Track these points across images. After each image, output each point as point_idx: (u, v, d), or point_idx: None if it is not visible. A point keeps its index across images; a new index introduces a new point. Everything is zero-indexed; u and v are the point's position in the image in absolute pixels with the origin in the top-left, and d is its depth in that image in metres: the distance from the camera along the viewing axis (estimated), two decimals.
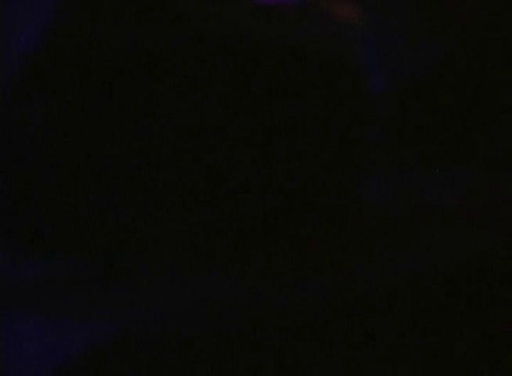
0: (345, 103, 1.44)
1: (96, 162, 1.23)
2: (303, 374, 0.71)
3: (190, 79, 1.19)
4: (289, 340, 0.82)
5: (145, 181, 1.20)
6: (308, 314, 0.90)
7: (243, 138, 1.26)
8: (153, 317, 0.87)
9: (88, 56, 1.24)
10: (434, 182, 1.49)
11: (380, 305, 0.93)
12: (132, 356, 0.75)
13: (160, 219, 1.19)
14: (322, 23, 1.80)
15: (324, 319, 0.89)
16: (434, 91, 1.60)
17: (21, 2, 1.50)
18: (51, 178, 1.27)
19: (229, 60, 1.23)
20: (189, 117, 1.20)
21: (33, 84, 1.29)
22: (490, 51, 1.87)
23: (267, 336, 0.83)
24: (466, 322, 0.91)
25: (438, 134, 1.53)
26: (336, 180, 1.38)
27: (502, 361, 0.82)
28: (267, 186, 1.27)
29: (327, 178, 1.36)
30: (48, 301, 1.00)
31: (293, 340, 0.82)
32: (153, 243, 1.19)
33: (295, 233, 1.27)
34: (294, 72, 1.31)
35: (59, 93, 1.29)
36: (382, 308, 0.93)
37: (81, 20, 1.24)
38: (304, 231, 1.26)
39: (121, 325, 0.84)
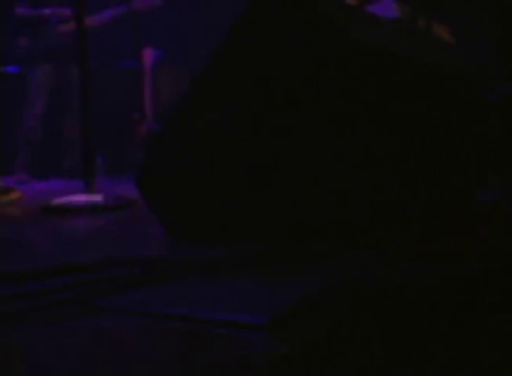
0: (475, 111, 1.58)
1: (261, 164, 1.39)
2: None
3: (344, 87, 1.31)
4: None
5: (300, 183, 1.36)
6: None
7: (390, 142, 1.40)
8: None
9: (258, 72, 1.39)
10: None
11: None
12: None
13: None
14: (433, 39, 1.93)
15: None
16: None
17: None
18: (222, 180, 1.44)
19: (377, 70, 1.29)
20: (340, 123, 1.34)
21: (210, 95, 1.45)
22: None
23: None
24: None
25: None
26: (464, 181, 1.54)
27: None
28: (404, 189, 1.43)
29: (457, 179, 1.51)
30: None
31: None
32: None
33: (431, 227, 1.44)
34: (432, 84, 1.45)
35: (235, 103, 1.44)
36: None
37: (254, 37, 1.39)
38: (438, 225, 1.43)
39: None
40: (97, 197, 2.51)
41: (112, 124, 5.76)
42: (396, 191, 1.39)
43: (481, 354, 0.79)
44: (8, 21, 5.24)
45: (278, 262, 1.25)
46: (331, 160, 1.32)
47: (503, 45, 3.12)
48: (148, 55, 5.17)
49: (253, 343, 0.87)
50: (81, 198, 2.52)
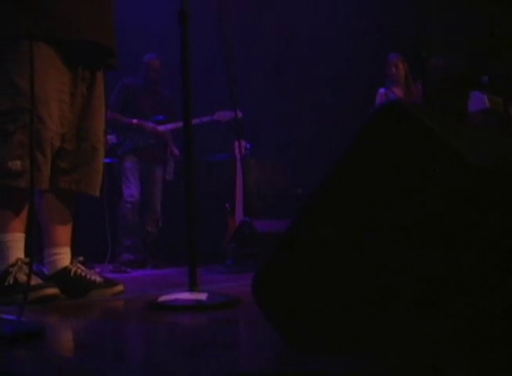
0: None
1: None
2: None
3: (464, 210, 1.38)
4: None
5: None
6: None
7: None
8: None
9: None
10: None
11: None
12: None
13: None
14: None
15: None
16: None
17: None
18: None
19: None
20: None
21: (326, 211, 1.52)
22: None
23: None
24: None
25: None
26: None
27: None
28: None
29: None
30: None
31: None
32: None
33: None
34: None
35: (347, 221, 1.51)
36: None
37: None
38: None
39: None
40: (202, 296, 2.57)
41: (203, 215, 5.91)
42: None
43: None
44: None
45: None
46: (456, 279, 1.33)
47: None
48: (239, 147, 5.33)
49: None
50: (186, 296, 2.58)
